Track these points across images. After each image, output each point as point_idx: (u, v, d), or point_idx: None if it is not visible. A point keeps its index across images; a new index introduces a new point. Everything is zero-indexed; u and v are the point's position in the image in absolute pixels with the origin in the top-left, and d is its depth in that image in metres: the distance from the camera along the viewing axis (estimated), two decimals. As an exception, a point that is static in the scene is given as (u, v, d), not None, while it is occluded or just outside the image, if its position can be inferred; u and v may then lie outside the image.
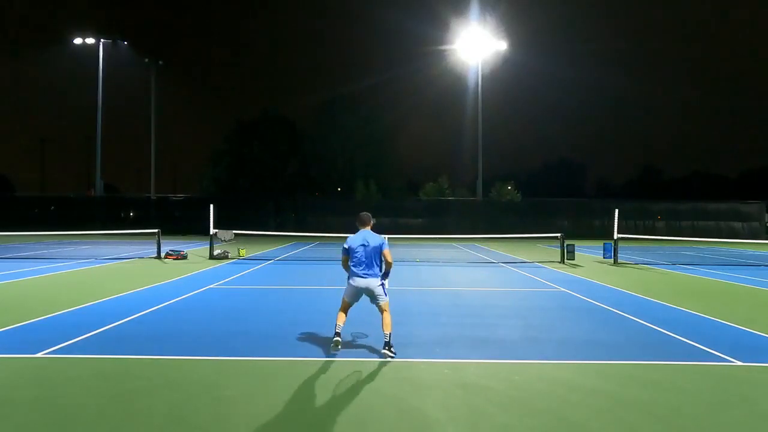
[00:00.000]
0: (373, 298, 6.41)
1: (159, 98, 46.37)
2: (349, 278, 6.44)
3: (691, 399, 5.01)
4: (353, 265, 6.38)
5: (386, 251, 6.47)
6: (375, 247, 6.41)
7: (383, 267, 6.57)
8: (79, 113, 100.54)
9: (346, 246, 6.47)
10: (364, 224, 6.63)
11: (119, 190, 68.29)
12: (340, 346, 6.15)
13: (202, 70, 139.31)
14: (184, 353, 6.36)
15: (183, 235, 34.52)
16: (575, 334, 7.68)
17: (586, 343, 7.10)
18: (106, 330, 7.43)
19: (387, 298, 6.45)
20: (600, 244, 22.43)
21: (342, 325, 6.33)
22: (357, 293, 6.42)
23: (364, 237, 6.45)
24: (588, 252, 23.36)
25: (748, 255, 23.90)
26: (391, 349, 6.16)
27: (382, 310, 6.40)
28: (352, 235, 6.53)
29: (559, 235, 19.64)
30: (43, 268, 15.11)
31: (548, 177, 79.29)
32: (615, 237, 19.44)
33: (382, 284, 6.42)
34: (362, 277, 6.31)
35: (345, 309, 6.53)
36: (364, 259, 6.33)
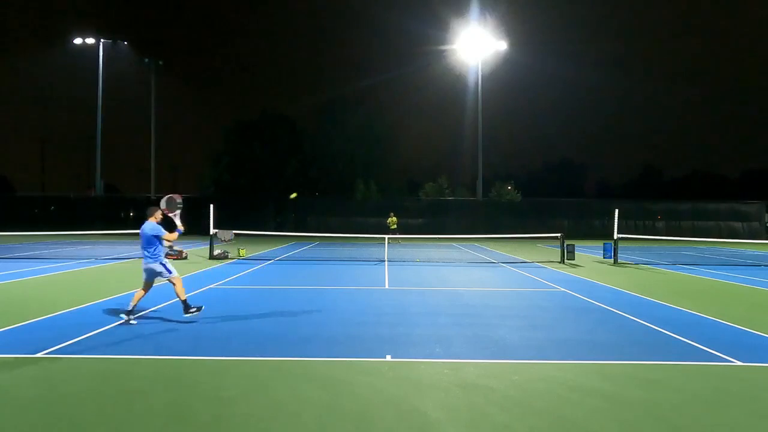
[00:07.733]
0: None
1: (159, 98, 46.39)
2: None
3: (691, 399, 5.01)
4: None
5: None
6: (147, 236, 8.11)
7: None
8: (79, 113, 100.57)
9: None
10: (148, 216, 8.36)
11: (119, 190, 68.18)
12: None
13: (202, 70, 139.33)
14: (184, 353, 6.37)
15: (183, 235, 34.50)
16: (575, 334, 7.68)
17: (586, 343, 7.10)
18: (106, 330, 7.44)
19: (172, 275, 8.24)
20: (600, 244, 22.42)
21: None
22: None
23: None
24: (588, 252, 23.36)
25: (748, 255, 23.89)
26: (190, 310, 8.09)
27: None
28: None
29: (559, 235, 19.64)
30: (43, 268, 15.11)
31: (548, 177, 79.14)
32: (615, 237, 19.44)
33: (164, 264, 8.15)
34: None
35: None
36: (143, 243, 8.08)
